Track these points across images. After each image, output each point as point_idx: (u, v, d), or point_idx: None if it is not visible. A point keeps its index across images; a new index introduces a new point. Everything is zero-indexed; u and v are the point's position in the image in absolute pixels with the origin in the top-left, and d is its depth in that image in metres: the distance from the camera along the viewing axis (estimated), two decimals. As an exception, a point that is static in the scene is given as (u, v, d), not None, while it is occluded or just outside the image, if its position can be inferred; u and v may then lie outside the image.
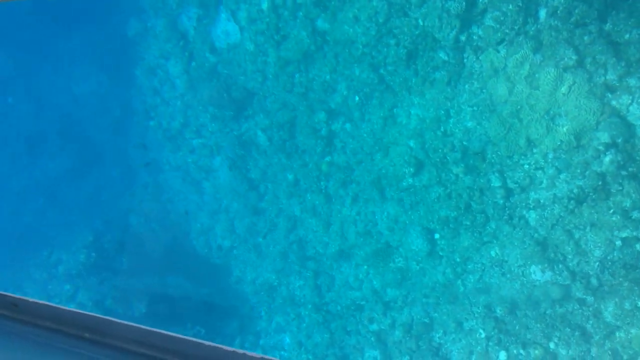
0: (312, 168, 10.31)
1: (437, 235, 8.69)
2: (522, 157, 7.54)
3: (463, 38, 7.88)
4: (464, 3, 7.70)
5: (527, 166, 7.52)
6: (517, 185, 7.66)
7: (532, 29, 7.31)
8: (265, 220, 11.29)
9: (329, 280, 10.39)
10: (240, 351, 1.66)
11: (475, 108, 7.80)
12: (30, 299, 2.00)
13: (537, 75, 7.02)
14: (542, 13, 7.24)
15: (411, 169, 8.57)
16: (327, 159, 10.12)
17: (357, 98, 9.30)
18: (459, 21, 7.83)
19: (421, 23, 8.19)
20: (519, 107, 7.30)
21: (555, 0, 7.13)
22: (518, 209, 7.71)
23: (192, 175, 12.54)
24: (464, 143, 8.06)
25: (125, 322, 1.85)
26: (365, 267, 9.86)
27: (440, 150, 8.25)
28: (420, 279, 9.12)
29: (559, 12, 7.05)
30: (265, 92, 10.74)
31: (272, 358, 1.69)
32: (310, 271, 10.51)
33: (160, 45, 12.36)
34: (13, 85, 14.80)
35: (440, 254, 8.75)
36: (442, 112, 8.17)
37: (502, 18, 7.39)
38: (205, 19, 11.34)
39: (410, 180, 8.64)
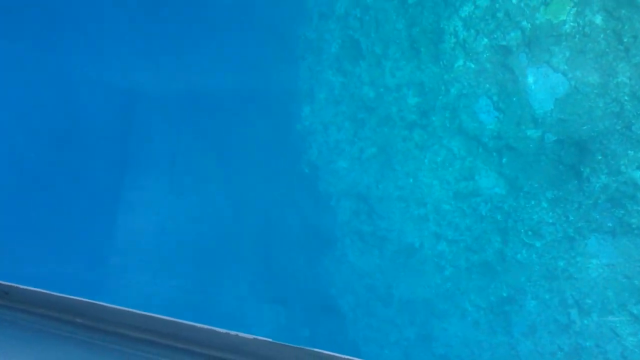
0: None
1: None
2: None
3: None
4: None
5: None
6: None
7: None
8: None
9: None
10: (233, 332, 1.67)
11: None
12: (21, 286, 1.95)
13: None
14: None
15: None
16: None
17: None
18: None
19: None
20: None
21: None
22: None
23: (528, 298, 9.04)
24: None
25: (118, 307, 1.81)
26: None
27: None
28: None
29: None
30: (628, 120, 8.29)
31: (265, 338, 1.62)
32: None
33: (450, 169, 10.60)
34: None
35: None
36: None
37: None
38: (511, 97, 9.97)
39: None
